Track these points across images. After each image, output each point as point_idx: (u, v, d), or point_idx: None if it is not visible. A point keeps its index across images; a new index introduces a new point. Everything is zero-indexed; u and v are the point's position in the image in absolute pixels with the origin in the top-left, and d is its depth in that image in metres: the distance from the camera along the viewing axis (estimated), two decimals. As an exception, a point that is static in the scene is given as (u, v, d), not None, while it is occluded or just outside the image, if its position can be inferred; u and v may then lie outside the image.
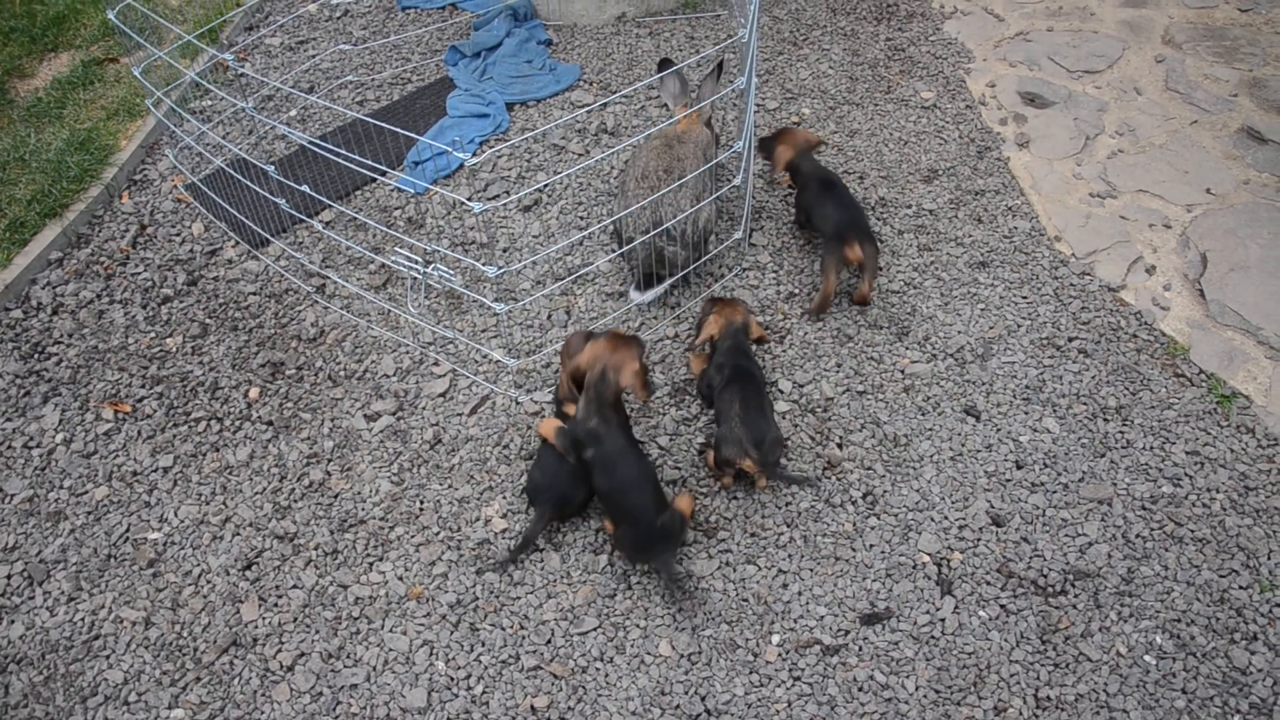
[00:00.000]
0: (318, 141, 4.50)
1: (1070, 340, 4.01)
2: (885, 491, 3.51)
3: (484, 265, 3.35)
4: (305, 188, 3.87)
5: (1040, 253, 4.37)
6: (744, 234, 4.26)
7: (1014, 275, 4.26)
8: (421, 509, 3.53)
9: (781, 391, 3.80)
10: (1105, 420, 3.75)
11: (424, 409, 3.82)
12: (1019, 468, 3.59)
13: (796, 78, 5.29)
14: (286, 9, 6.02)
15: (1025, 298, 4.18)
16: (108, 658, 3.21)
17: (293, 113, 5.17)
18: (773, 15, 5.74)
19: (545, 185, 4.66)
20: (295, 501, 3.58)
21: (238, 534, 3.49)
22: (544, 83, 5.24)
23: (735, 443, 3.31)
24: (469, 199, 4.51)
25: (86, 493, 3.64)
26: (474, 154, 4.87)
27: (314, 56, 5.57)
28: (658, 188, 3.83)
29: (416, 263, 3.53)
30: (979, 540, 3.38)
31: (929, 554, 3.34)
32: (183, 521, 3.54)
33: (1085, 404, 3.79)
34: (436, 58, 5.55)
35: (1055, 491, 3.52)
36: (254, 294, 4.30)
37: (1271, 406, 3.79)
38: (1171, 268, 4.32)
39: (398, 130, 3.40)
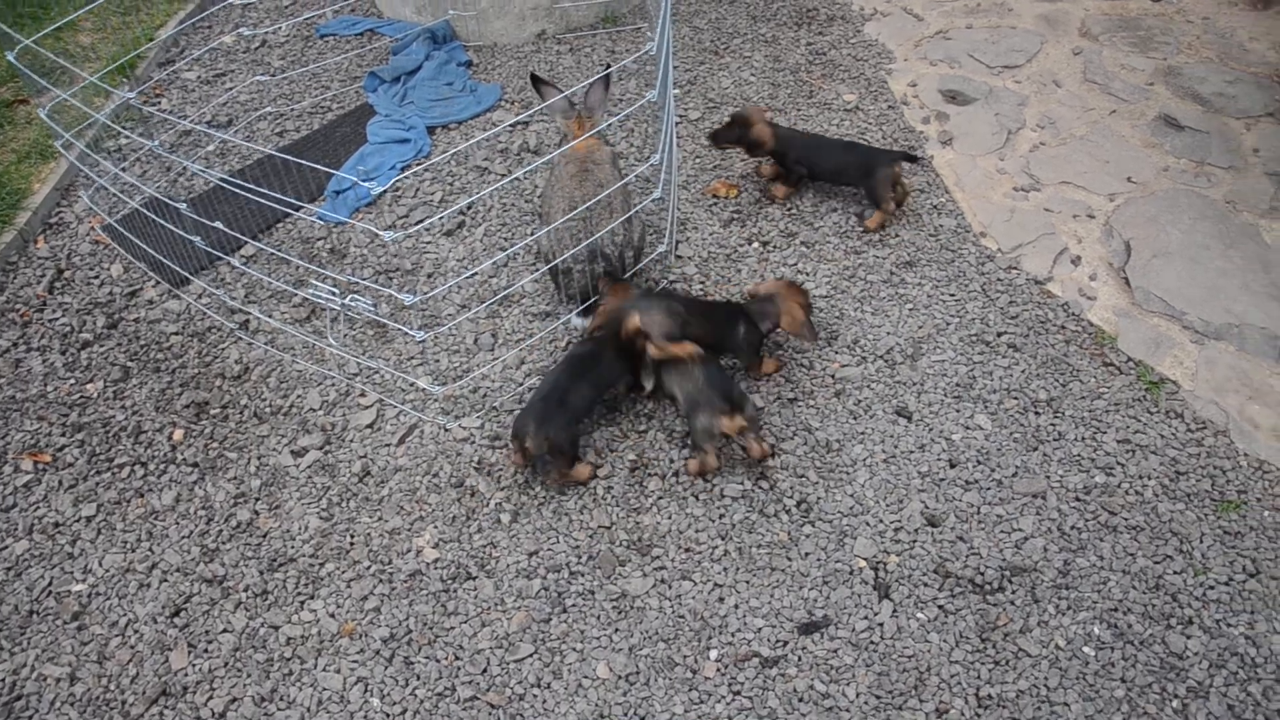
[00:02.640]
0: (227, 178, 4.41)
1: (999, 335, 4.02)
2: (819, 498, 3.49)
3: (401, 293, 3.29)
4: (219, 224, 3.79)
5: (966, 249, 4.38)
6: (669, 246, 4.24)
7: (941, 273, 4.27)
8: (352, 543, 3.46)
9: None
10: (1037, 414, 3.75)
11: (351, 441, 3.75)
12: (952, 466, 3.59)
13: (719, 86, 5.28)
14: (202, 42, 5.93)
15: (953, 295, 4.18)
16: (30, 719, 3.11)
17: (211, 147, 5.09)
18: (693, 25, 5.74)
19: (468, 206, 4.61)
20: (223, 543, 3.49)
21: (165, 580, 3.40)
22: (465, 104, 5.20)
23: (709, 405, 3.37)
24: (391, 226, 4.45)
25: (6, 547, 3.53)
26: (393, 181, 4.81)
27: (231, 89, 5.48)
28: (590, 217, 3.80)
29: (334, 294, 3.47)
30: (915, 542, 3.36)
31: (865, 559, 3.32)
32: (108, 571, 3.45)
33: (1016, 398, 3.80)
34: (356, 84, 5.49)
35: (989, 488, 3.52)
36: (176, 334, 4.21)
37: (1199, 390, 3.82)
38: (1096, 257, 4.35)
39: (305, 164, 3.32)
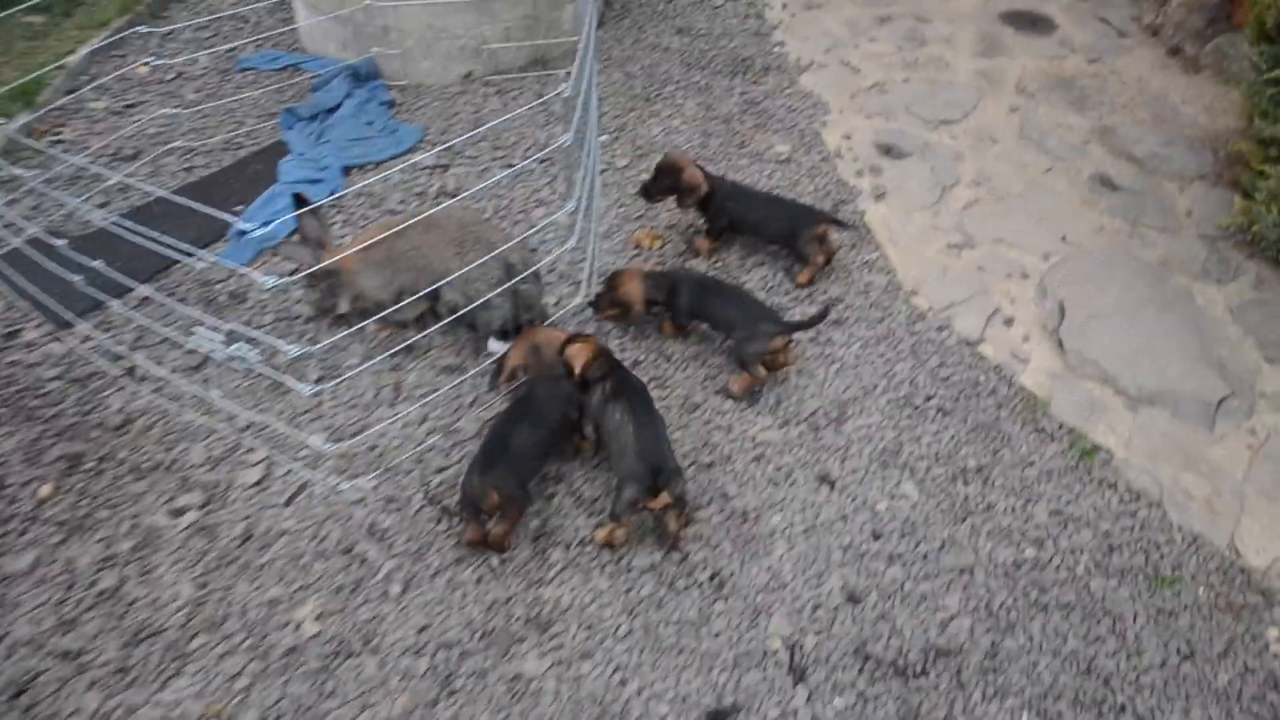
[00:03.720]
0: (117, 219, 4.10)
1: (928, 399, 3.85)
2: (733, 572, 3.26)
3: (288, 344, 3.04)
4: (98, 264, 3.52)
5: (897, 307, 4.22)
6: (587, 297, 4.03)
7: (870, 332, 4.10)
8: (227, 614, 3.17)
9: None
10: (965, 482, 3.58)
11: (235, 501, 3.47)
12: (876, 538, 3.39)
13: (648, 135, 5.12)
14: (114, 70, 5.65)
15: (882, 355, 4.01)
16: None
17: (112, 181, 4.80)
18: (625, 71, 5.58)
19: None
20: (83, 613, 3.18)
21: (10, 655, 3.07)
22: (384, 145, 4.98)
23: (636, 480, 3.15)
24: (289, 274, 4.19)
25: None
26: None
27: (139, 121, 5.22)
28: (472, 256, 3.60)
29: (219, 342, 3.21)
30: (834, 620, 3.15)
31: (781, 638, 3.10)
32: (-51, 644, 3.13)
33: (944, 466, 3.62)
34: (272, 121, 5.25)
35: (914, 562, 3.32)
36: (55, 379, 3.91)
37: (1132, 459, 3.67)
38: (1030, 318, 4.21)
39: (196, 206, 3.07)
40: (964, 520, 3.46)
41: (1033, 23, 6.20)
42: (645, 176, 4.78)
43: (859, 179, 4.92)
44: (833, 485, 3.53)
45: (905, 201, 4.79)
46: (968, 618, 3.17)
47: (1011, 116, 5.37)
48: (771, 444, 3.65)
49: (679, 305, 3.87)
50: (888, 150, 5.09)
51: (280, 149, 5.04)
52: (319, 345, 3.50)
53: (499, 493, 3.14)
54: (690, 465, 3.56)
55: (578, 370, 3.36)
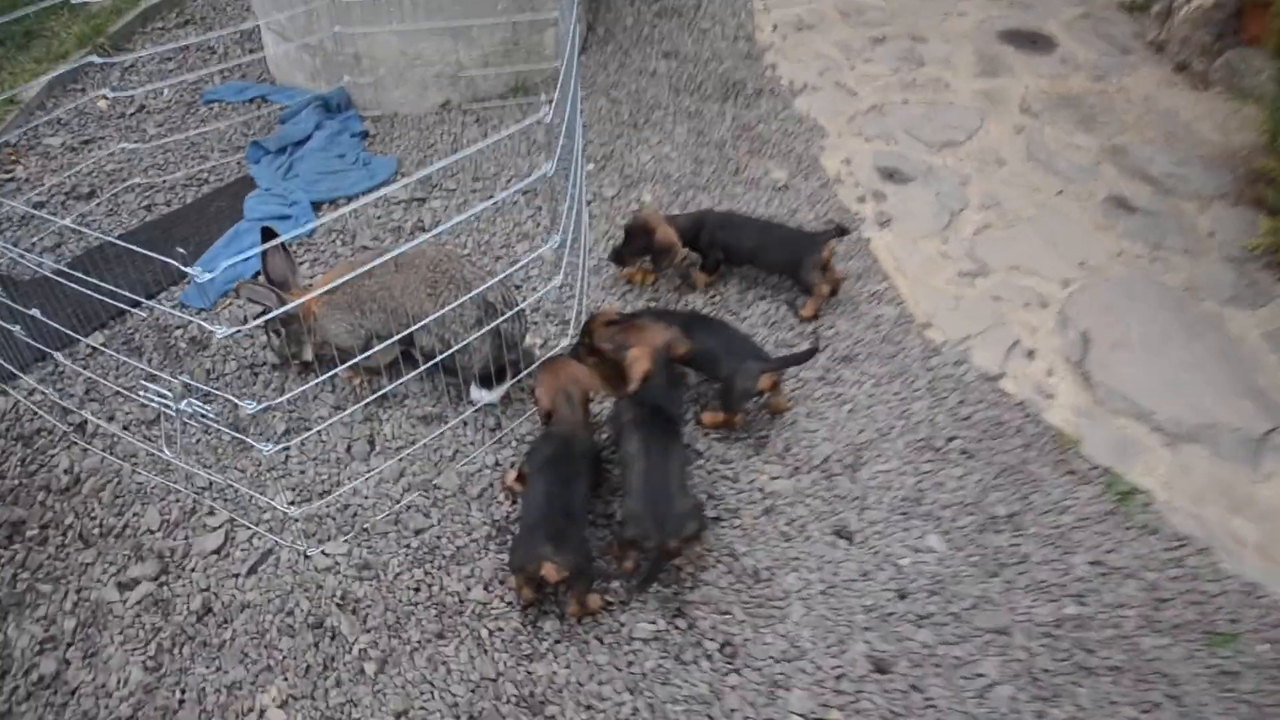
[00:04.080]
0: (61, 267, 3.79)
1: (950, 440, 3.55)
2: (746, 640, 2.94)
3: (245, 401, 2.72)
4: (35, 311, 3.20)
5: (910, 341, 3.93)
6: (573, 338, 3.72)
7: (882, 369, 3.81)
8: (182, 701, 2.83)
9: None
10: (995, 532, 3.27)
11: (193, 570, 3.13)
12: (902, 598, 3.07)
13: (637, 162, 4.84)
14: (73, 104, 5.35)
15: (897, 394, 3.72)
16: None
17: (67, 221, 4.48)
18: (610, 97, 5.31)
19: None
20: (18, 704, 2.84)
21: (-65, 756, 2.73)
22: (356, 179, 4.68)
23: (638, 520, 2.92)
24: (245, 321, 3.87)
25: None
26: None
27: (97, 157, 4.91)
28: (447, 297, 3.29)
29: (167, 398, 2.88)
30: (860, 693, 2.82)
31: (801, 716, 2.77)
32: None
33: (972, 514, 3.31)
34: (239, 155, 4.95)
35: (945, 624, 3.01)
36: (-3, 438, 3.58)
37: (1174, 501, 3.37)
38: (1052, 350, 3.93)
39: (144, 252, 2.74)
40: (996, 574, 3.15)
41: (1032, 41, 5.97)
42: (635, 209, 4.50)
43: (861, 205, 4.64)
44: (851, 539, 3.22)
45: (912, 228, 4.51)
46: (1008, 685, 2.85)
47: (1017, 137, 5.12)
48: (782, 494, 3.34)
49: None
50: (890, 175, 4.82)
51: (247, 184, 4.74)
52: (284, 396, 3.17)
53: (569, 568, 2.80)
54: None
55: (636, 381, 3.15)
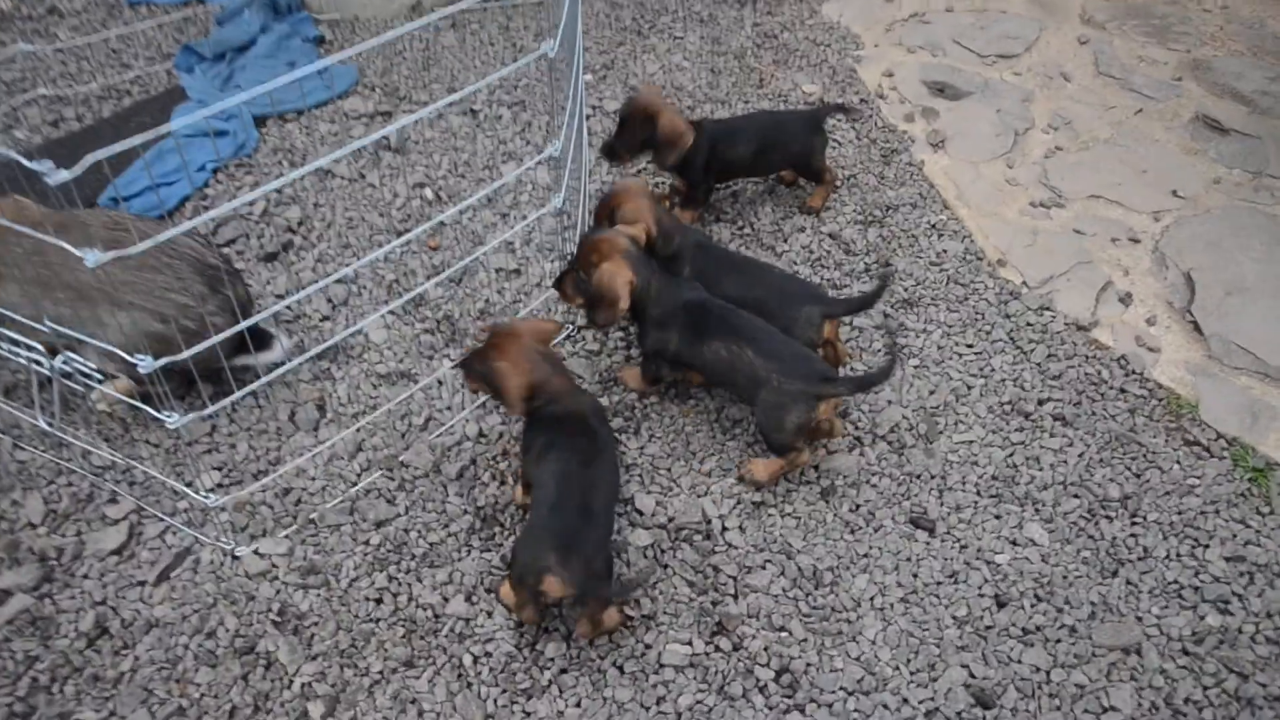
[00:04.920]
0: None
1: (1041, 404, 2.86)
2: (810, 665, 2.26)
3: (139, 355, 1.99)
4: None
5: (982, 282, 3.23)
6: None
7: (952, 315, 3.11)
8: (64, 756, 2.12)
9: (640, 512, 2.53)
10: (1108, 518, 2.60)
11: (85, 577, 2.41)
12: (1001, 605, 2.40)
13: (643, 72, 4.08)
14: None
15: (971, 346, 3.02)
16: None
17: (-45, 140, 3.69)
18: (610, 0, 4.53)
19: (299, 223, 3.33)
20: None
21: None
22: (309, 89, 3.91)
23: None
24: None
25: None
26: (205, 184, 3.51)
27: (-3, 66, 4.11)
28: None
29: (35, 352, 2.15)
30: (961, 737, 2.16)
31: (888, 770, 2.10)
32: None
33: (1077, 497, 2.64)
34: (168, 63, 4.16)
35: (1058, 639, 2.34)
36: None
37: (1322, 480, 2.71)
38: (1151, 294, 3.25)
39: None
40: (1115, 574, 2.48)
41: (1086, -55, 5.23)
42: (631, 90, 3.76)
43: (909, 124, 3.92)
44: (932, 529, 2.54)
45: (971, 150, 3.80)
46: (1146, 722, 2.20)
47: (1082, 50, 4.40)
48: (843, 472, 2.64)
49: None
50: (941, 89, 4.10)
51: (174, 96, 3.95)
52: (189, 351, 2.38)
53: (576, 585, 2.11)
54: (735, 508, 2.54)
55: (624, 302, 2.48)
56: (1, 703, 2.18)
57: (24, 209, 2.37)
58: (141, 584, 2.39)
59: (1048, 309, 3.16)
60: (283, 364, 2.48)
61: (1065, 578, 2.46)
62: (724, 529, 2.51)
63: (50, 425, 2.44)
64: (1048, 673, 2.28)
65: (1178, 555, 2.53)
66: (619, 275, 2.50)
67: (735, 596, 2.37)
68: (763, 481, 2.56)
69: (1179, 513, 2.62)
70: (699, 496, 2.57)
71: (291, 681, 2.21)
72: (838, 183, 3.50)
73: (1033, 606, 2.40)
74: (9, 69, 4.06)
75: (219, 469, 2.61)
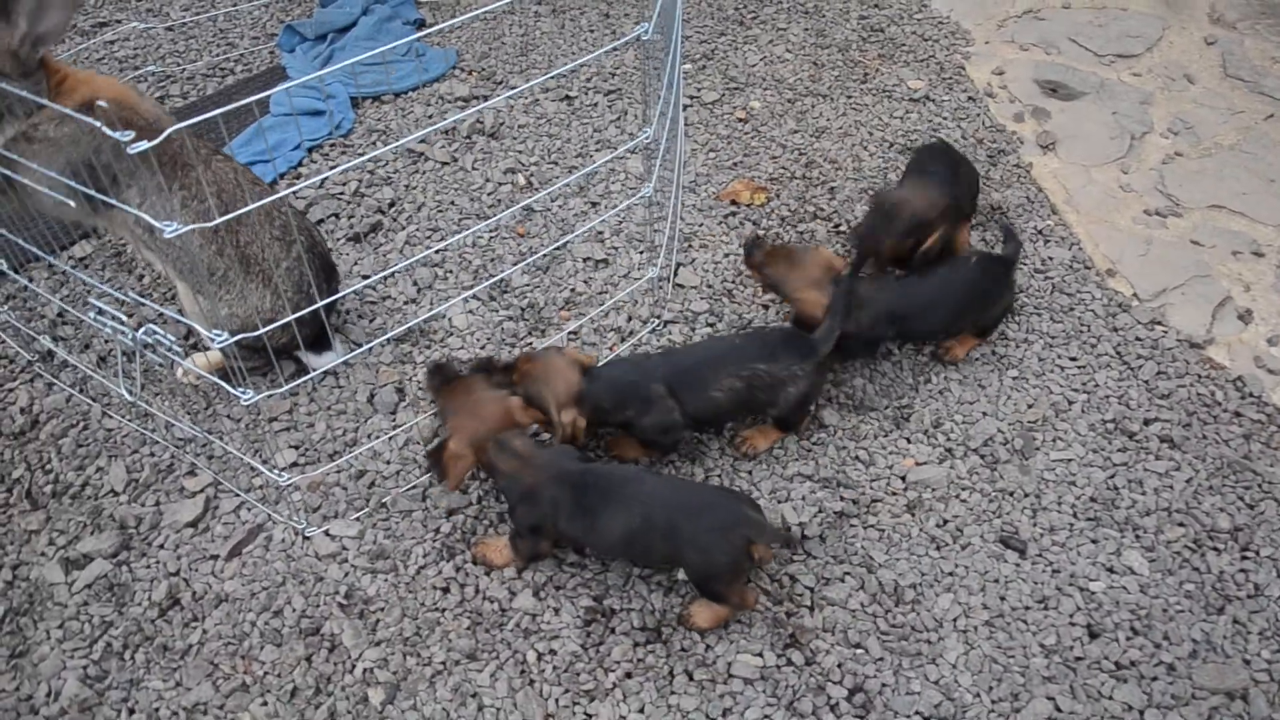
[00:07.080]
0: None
1: (1147, 424, 2.70)
2: (885, 686, 2.16)
3: (215, 332, 1.99)
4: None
5: (1089, 293, 3.07)
6: (663, 271, 2.93)
7: (1056, 326, 2.96)
8: (129, 724, 2.14)
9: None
10: (1216, 550, 2.43)
11: (160, 547, 2.43)
12: (1093, 636, 2.26)
13: (744, 63, 3.99)
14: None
15: (1074, 359, 2.87)
16: None
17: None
18: (712, -11, 4.45)
19: (390, 204, 3.32)
20: (-81, 713, 2.17)
21: None
22: (405, 71, 3.91)
23: None
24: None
25: None
26: (299, 163, 3.53)
27: (112, 42, 4.20)
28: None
29: (120, 323, 2.16)
30: (1045, 775, 2.03)
31: (964, 804, 1.99)
32: None
33: (1182, 525, 2.48)
34: (272, 42, 4.21)
35: (1155, 678, 2.19)
36: (-49, 363, 2.91)
37: None
38: (1274, 311, 3.05)
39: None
40: (1221, 610, 2.32)
41: (1218, -58, 4.96)
42: (740, 113, 3.68)
43: (1019, 124, 3.75)
44: (1023, 550, 2.41)
45: (1083, 153, 3.62)
46: (1250, 775, 2.04)
47: (1209, 51, 4.16)
48: (931, 484, 2.53)
49: None
50: (1054, 89, 3.91)
51: (276, 75, 4.00)
52: (272, 325, 2.37)
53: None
54: (816, 515, 2.45)
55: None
56: (77, 665, 2.21)
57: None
58: (214, 558, 2.40)
59: (1159, 323, 2.98)
60: (332, 370, 2.51)
61: (1165, 611, 2.31)
62: (804, 537, 2.41)
63: (132, 394, 2.46)
64: (1141, 712, 2.14)
65: (1292, 594, 2.36)
66: None
67: (811, 609, 2.28)
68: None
69: (1295, 548, 2.44)
70: (780, 502, 2.48)
71: (354, 666, 2.19)
72: None
73: (1128, 640, 2.26)
74: (123, 45, 4.15)
75: (295, 447, 2.61)
